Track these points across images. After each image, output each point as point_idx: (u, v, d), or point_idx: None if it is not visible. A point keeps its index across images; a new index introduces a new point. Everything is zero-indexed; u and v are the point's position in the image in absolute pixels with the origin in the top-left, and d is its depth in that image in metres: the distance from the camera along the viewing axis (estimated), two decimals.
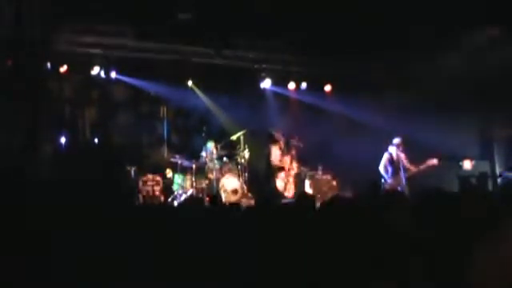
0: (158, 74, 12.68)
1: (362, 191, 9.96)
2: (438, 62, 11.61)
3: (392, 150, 10.15)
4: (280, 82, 13.85)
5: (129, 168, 11.63)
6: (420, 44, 11.06)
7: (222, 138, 12.74)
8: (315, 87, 13.97)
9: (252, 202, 11.34)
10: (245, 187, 12.35)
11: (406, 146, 10.26)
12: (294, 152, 12.29)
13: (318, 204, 5.60)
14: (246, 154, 12.61)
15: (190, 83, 12.97)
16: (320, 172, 13.02)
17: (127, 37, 11.98)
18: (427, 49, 11.24)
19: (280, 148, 11.93)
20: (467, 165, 11.95)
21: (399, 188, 9.75)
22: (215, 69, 13.04)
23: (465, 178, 12.26)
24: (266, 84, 13.60)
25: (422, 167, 10.02)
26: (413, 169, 10.03)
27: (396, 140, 10.21)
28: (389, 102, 11.88)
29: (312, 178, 12.91)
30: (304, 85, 13.94)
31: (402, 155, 10.15)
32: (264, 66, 13.57)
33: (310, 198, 5.61)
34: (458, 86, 11.43)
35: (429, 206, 5.28)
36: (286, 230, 4.58)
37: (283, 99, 14.17)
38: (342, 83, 13.55)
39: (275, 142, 11.81)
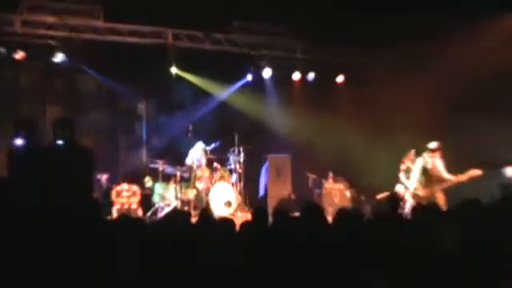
0: (136, 61, 12.64)
1: (381, 205, 10.06)
2: (473, 51, 11.57)
3: (427, 155, 10.04)
4: (282, 71, 13.87)
5: (100, 176, 11.61)
6: (452, 26, 11.04)
7: (212, 138, 12.67)
8: (325, 78, 13.98)
9: (249, 215, 11.30)
10: (240, 198, 12.32)
11: (443, 152, 10.16)
12: None
13: (329, 218, 5.61)
14: (242, 158, 12.61)
15: (173, 70, 12.96)
16: (331, 179, 13.01)
17: (97, 17, 11.96)
18: (461, 33, 11.21)
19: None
20: (510, 172, 11.91)
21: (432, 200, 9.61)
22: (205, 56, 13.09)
23: (507, 186, 12.21)
24: (266, 74, 13.60)
25: (463, 178, 9.89)
26: (453, 180, 9.93)
27: (433, 144, 10.01)
28: (414, 98, 11.83)
29: (321, 186, 12.93)
30: (311, 75, 13.94)
31: (440, 163, 10.05)
32: (264, 52, 13.55)
33: (319, 211, 5.61)
34: (496, 79, 11.41)
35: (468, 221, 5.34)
36: (289, 252, 4.71)
37: (286, 92, 14.23)
38: (358, 74, 13.53)
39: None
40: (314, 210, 5.61)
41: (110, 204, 11.39)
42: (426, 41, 11.12)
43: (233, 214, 11.58)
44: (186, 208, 11.64)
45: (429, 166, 9.98)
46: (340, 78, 14.19)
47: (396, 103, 12.34)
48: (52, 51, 11.80)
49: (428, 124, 11.47)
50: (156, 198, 12.09)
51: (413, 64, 12.11)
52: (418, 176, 10.00)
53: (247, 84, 13.97)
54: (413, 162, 10.31)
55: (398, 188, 10.49)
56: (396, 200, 7.24)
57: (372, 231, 5.21)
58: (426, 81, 11.83)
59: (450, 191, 9.97)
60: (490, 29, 11.66)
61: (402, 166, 10.47)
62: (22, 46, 11.55)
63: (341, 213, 5.68)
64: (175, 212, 9.62)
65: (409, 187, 10.13)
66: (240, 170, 12.64)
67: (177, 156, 12.53)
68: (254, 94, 13.83)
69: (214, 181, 12.21)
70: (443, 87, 11.71)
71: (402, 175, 10.41)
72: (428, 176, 9.97)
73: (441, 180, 9.97)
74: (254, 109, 13.70)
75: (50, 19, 11.67)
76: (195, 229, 5.43)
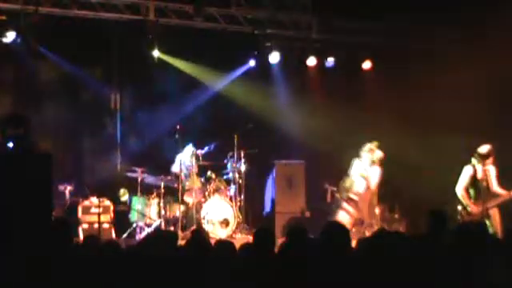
0: (108, 43, 12.65)
1: (421, 224, 10.02)
2: None
3: (476, 162, 10.09)
4: (294, 55, 13.82)
5: (62, 187, 11.62)
6: None
7: (205, 140, 12.69)
8: (348, 64, 13.94)
9: (250, 237, 11.33)
10: (240, 216, 12.32)
11: (497, 159, 10.16)
12: None
13: (353, 242, 5.56)
14: (242, 164, 12.61)
15: (156, 54, 12.90)
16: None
17: None
18: None
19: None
20: None
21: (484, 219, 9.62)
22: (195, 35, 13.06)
23: None
24: (274, 58, 13.53)
25: None
26: (505, 195, 9.97)
27: (483, 149, 10.09)
28: (462, 90, 11.79)
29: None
30: (331, 60, 13.88)
31: (492, 171, 10.10)
32: (269, 31, 13.49)
33: (343, 232, 5.55)
34: None
35: None
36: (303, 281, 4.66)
37: (299, 81, 14.19)
38: (389, 58, 13.47)
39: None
40: (337, 231, 5.55)
41: (76, 223, 11.36)
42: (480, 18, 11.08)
43: (231, 236, 11.59)
44: (171, 228, 11.63)
45: (479, 175, 10.03)
46: (367, 64, 14.11)
47: (438, 95, 12.35)
48: (1, 28, 11.73)
49: (479, 123, 11.48)
50: (134, 216, 12.10)
51: (460, 47, 12.07)
52: (468, 188, 10.04)
53: (249, 71, 13.96)
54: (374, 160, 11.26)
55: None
56: (439, 217, 7.15)
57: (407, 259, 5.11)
58: (478, 69, 11.80)
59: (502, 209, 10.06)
60: None
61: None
62: None
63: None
64: (158, 233, 9.58)
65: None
66: (240, 181, 12.64)
67: (160, 162, 12.58)
68: (258, 84, 13.81)
69: (207, 194, 12.20)
70: (501, 78, 11.67)
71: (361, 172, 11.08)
72: (478, 188, 10.00)
73: (493, 194, 10.01)
74: (257, 103, 13.66)
75: None
76: (184, 254, 5.37)
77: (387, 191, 13.06)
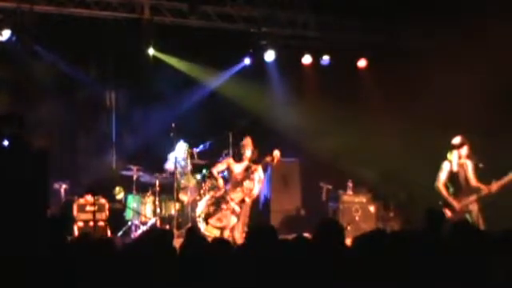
0: (103, 41, 12.60)
1: (416, 222, 10.00)
2: None
3: (453, 156, 9.94)
4: (289, 54, 13.82)
5: (57, 185, 11.62)
6: None
7: (200, 138, 12.68)
8: (343, 62, 13.93)
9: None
10: None
11: (473, 151, 10.06)
12: None
13: (347, 240, 5.53)
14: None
15: (151, 52, 12.93)
16: (350, 191, 12.95)
17: None
18: None
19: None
20: None
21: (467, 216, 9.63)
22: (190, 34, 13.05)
23: None
24: (269, 57, 13.53)
25: (496, 186, 9.78)
26: (483, 188, 9.77)
27: (456, 139, 9.93)
28: (460, 90, 11.74)
29: (338, 199, 12.88)
30: (326, 58, 13.90)
31: (470, 166, 9.93)
32: (265, 29, 13.49)
33: (339, 229, 5.52)
34: None
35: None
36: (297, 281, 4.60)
37: (294, 79, 14.17)
38: (384, 57, 13.49)
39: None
40: (332, 229, 5.51)
41: (71, 221, 11.35)
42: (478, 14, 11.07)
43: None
44: (167, 226, 11.59)
45: (454, 167, 9.88)
46: (362, 63, 14.15)
47: (435, 94, 12.25)
48: None
49: (477, 123, 11.39)
50: (129, 214, 12.08)
51: (460, 47, 12.04)
52: (446, 183, 9.91)
53: (245, 69, 13.97)
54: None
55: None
56: (435, 215, 7.15)
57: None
58: (477, 69, 11.76)
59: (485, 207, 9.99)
60: None
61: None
62: None
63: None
64: (153, 231, 9.56)
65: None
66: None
67: (155, 161, 12.54)
68: (253, 83, 13.81)
69: (202, 192, 12.07)
70: (500, 78, 11.65)
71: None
72: (458, 183, 9.88)
73: (472, 189, 9.88)
74: (253, 101, 13.67)
75: None
76: (179, 253, 5.30)
77: (383, 189, 13.12)
